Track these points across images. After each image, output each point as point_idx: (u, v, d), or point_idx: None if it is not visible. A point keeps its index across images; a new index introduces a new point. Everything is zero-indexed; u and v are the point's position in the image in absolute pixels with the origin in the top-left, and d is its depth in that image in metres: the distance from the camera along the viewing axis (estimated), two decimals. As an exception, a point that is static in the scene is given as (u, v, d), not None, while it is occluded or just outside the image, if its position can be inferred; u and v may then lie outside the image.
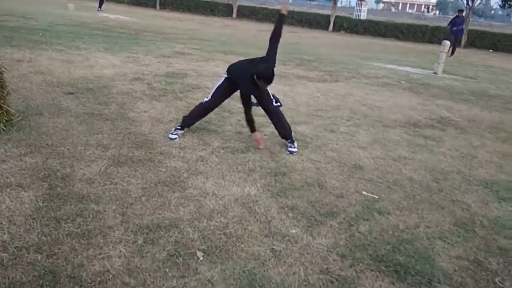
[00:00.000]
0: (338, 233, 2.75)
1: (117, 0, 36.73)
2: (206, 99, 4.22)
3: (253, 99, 4.11)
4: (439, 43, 11.54)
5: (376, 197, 3.33)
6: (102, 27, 14.82)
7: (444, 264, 2.51)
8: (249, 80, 3.82)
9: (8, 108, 3.93)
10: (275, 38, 4.04)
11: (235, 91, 4.24)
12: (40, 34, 10.24)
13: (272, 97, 4.21)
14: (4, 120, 3.84)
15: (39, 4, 24.27)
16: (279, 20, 4.17)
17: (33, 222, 2.51)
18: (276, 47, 4.05)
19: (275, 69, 3.88)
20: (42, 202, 2.74)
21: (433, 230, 2.89)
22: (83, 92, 5.42)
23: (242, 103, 4.05)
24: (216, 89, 4.18)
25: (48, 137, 3.81)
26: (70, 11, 21.17)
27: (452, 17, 20.33)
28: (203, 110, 4.25)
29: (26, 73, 6.11)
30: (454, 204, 3.33)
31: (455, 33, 17.55)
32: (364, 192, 3.39)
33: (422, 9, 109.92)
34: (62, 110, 4.64)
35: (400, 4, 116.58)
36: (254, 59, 4.11)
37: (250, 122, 4.09)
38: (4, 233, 2.37)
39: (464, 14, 18.70)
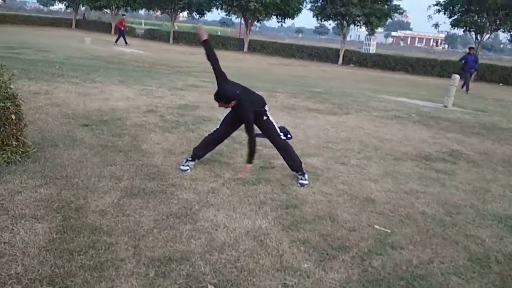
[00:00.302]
0: (350, 268, 2.72)
1: (132, 34, 37.88)
2: (214, 129, 4.30)
3: (258, 130, 4.14)
4: (449, 76, 11.63)
5: (389, 231, 3.30)
6: (117, 61, 15.23)
7: (460, 301, 2.45)
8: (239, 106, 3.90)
9: (24, 139, 4.02)
10: (213, 60, 4.09)
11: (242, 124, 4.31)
12: (57, 67, 10.55)
13: (279, 131, 4.25)
14: (20, 152, 3.92)
15: (56, 38, 25.11)
16: (204, 45, 4.14)
17: (46, 254, 2.53)
18: (215, 69, 4.08)
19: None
20: (56, 234, 2.76)
21: (448, 265, 2.85)
22: (98, 124, 5.53)
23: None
24: (224, 118, 4.26)
25: (62, 169, 3.88)
26: (87, 45, 21.83)
27: (462, 52, 20.36)
28: (212, 140, 4.30)
29: (42, 105, 6.27)
30: (468, 239, 3.28)
31: (469, 72, 16.72)
32: (376, 226, 3.36)
33: (431, 43, 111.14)
34: (77, 141, 4.73)
35: (409, 38, 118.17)
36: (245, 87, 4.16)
37: (252, 151, 3.97)
38: (18, 265, 2.39)
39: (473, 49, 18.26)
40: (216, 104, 4.01)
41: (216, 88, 3.93)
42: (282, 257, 2.76)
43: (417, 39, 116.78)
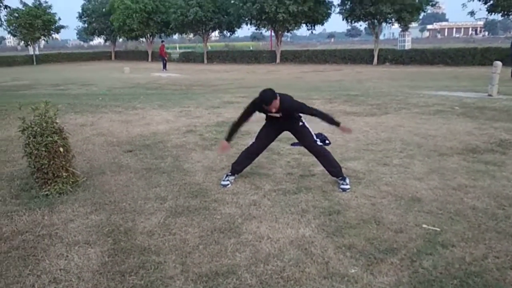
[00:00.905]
0: (400, 270, 2.65)
1: (168, 59, 39.10)
2: (250, 143, 4.35)
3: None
4: (491, 64, 11.13)
5: (438, 229, 3.19)
6: (156, 86, 15.75)
7: (519, 296, 2.33)
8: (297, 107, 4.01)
9: (73, 170, 4.24)
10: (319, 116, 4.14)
11: (279, 133, 4.34)
12: (100, 98, 11.06)
13: (315, 137, 4.24)
14: (70, 182, 4.14)
15: (97, 71, 26.34)
16: (332, 121, 4.17)
17: (100, 277, 2.65)
18: (312, 113, 4.12)
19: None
20: (108, 257, 2.89)
21: (503, 260, 2.72)
22: (141, 149, 5.74)
23: (294, 144, 4.10)
24: (259, 132, 4.31)
25: (110, 194, 4.05)
26: (126, 74, 22.74)
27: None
28: (249, 154, 4.36)
29: (89, 136, 6.59)
30: (525, 231, 3.12)
31: None
32: (424, 225, 3.26)
33: (470, 32, 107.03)
34: (123, 167, 4.93)
35: (446, 30, 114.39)
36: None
37: (331, 120, 4.09)
38: (74, 289, 2.52)
39: None
40: (253, 117, 4.12)
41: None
42: (328, 264, 2.74)
43: (454, 29, 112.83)
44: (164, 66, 26.77)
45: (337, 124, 4.10)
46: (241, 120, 4.17)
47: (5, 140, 6.32)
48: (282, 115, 4.06)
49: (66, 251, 2.97)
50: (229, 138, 4.26)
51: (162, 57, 27.45)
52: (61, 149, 4.03)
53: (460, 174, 4.47)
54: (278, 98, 3.90)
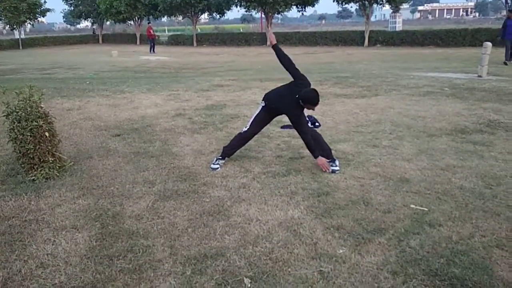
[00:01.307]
0: (387, 250, 2.67)
1: (156, 42, 38.57)
2: (244, 129, 4.30)
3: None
4: (481, 45, 11.13)
5: (426, 209, 3.22)
6: (144, 69, 15.55)
7: (504, 273, 2.37)
8: (293, 106, 3.88)
9: (60, 155, 4.19)
10: (287, 63, 4.11)
11: (273, 118, 4.30)
12: (87, 82, 10.90)
13: (307, 119, 4.22)
14: (57, 167, 4.09)
15: (85, 54, 25.93)
16: (274, 50, 4.20)
17: (87, 262, 2.63)
18: (295, 68, 4.08)
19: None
20: (96, 242, 2.87)
21: (489, 238, 2.75)
22: (129, 133, 5.68)
23: (284, 127, 4.09)
24: (254, 118, 4.25)
25: (98, 179, 4.01)
26: (114, 58, 22.41)
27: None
28: (242, 139, 4.33)
29: (76, 120, 6.50)
30: (511, 209, 3.15)
31: (509, 39, 13.99)
32: (412, 206, 3.28)
33: (461, 13, 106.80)
34: (110, 151, 4.88)
35: (437, 11, 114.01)
36: (289, 84, 4.14)
37: (311, 146, 4.01)
38: (61, 274, 2.50)
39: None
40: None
41: (311, 89, 3.93)
42: (317, 245, 2.75)
43: (445, 10, 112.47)
44: (152, 49, 26.23)
45: (315, 155, 4.05)
46: (291, 67, 4.12)
47: (-9, 125, 6.20)
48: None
49: (53, 236, 2.94)
50: (277, 48, 4.18)
51: (149, 39, 26.90)
52: (47, 134, 3.96)
53: (448, 154, 4.50)
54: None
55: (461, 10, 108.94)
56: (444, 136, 5.18)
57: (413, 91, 8.52)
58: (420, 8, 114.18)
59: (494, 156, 4.40)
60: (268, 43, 4.34)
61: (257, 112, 4.28)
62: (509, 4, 24.06)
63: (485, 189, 3.55)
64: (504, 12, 26.49)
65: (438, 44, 25.68)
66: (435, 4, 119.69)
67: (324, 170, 4.02)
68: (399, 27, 31.07)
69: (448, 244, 2.71)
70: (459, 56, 18.78)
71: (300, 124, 3.98)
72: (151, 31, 26.98)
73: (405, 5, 36.35)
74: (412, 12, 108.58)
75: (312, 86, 3.99)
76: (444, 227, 2.92)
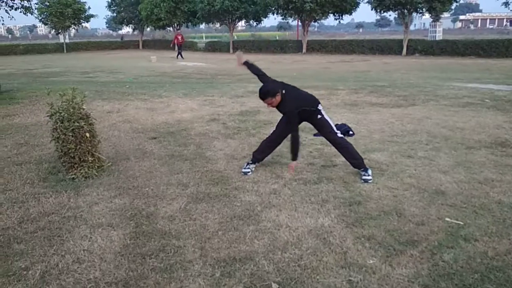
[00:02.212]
0: (419, 263, 2.61)
1: (194, 48, 39.30)
2: (271, 132, 4.34)
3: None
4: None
5: (461, 223, 3.13)
6: (181, 75, 15.88)
7: (543, 293, 2.27)
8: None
9: (99, 155, 4.35)
10: (259, 73, 4.22)
11: (299, 123, 4.31)
12: (127, 86, 11.24)
13: (335, 128, 4.18)
14: (96, 167, 4.25)
15: (125, 59, 26.74)
16: (247, 67, 4.31)
17: (121, 259, 2.71)
18: (264, 78, 4.17)
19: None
20: (129, 240, 2.96)
21: (528, 256, 2.64)
22: (165, 136, 5.82)
23: (316, 135, 4.09)
24: (280, 121, 4.29)
25: (134, 179, 4.14)
26: (153, 63, 23.01)
27: None
28: (269, 142, 4.35)
29: (115, 122, 6.73)
30: (552, 227, 3.02)
31: None
32: (447, 219, 3.20)
33: (504, 23, 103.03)
34: (147, 153, 5.02)
35: (479, 21, 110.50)
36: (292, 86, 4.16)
37: (295, 148, 4.04)
38: (96, 270, 2.59)
39: None
40: (275, 108, 4.09)
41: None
42: (346, 254, 2.73)
43: (488, 20, 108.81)
44: (179, 54, 27.13)
45: (292, 157, 4.05)
46: (263, 76, 4.19)
47: (35, 125, 6.51)
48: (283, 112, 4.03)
49: (90, 232, 3.06)
50: (248, 64, 4.29)
51: (177, 46, 27.86)
52: (87, 135, 4.12)
53: (487, 167, 4.36)
54: (279, 97, 3.90)
55: (504, 20, 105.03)
56: (483, 149, 5.02)
57: (452, 101, 8.30)
58: (461, 17, 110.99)
59: (536, 171, 4.22)
60: (241, 63, 4.48)
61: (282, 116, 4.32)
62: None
63: (526, 205, 3.41)
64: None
65: (479, 55, 24.88)
66: (477, 14, 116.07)
67: (289, 172, 4.10)
68: (439, 36, 30.30)
69: (483, 259, 2.62)
70: (502, 67, 18.13)
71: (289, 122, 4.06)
72: (179, 37, 27.82)
73: (446, 14, 35.49)
74: (453, 21, 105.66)
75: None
76: (479, 242, 2.83)
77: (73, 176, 4.10)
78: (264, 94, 3.89)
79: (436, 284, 2.38)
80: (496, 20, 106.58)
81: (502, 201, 3.49)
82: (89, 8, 38.97)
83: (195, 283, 2.45)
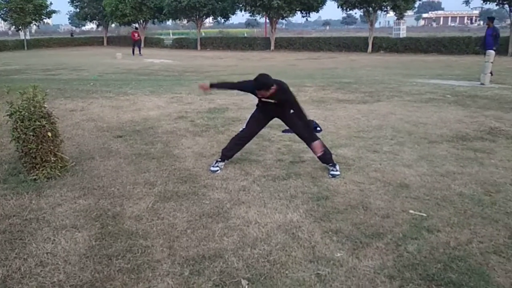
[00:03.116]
0: (385, 254, 2.68)
1: (161, 45, 38.75)
2: (241, 130, 4.34)
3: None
4: (484, 53, 11.14)
5: (424, 215, 3.22)
6: (148, 72, 15.62)
7: (500, 279, 2.37)
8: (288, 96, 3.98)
9: (62, 155, 4.21)
10: (231, 86, 4.48)
11: (270, 119, 4.33)
12: (91, 84, 10.96)
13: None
14: (59, 167, 4.11)
15: (89, 56, 26.07)
16: (216, 88, 4.51)
17: (86, 261, 2.65)
18: (240, 83, 4.28)
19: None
20: (95, 241, 2.88)
21: (487, 245, 2.75)
22: (131, 134, 5.71)
23: (285, 131, 4.12)
24: (250, 118, 4.29)
25: (99, 179, 4.04)
26: (118, 60, 22.52)
27: (498, 26, 14.95)
28: (239, 140, 4.34)
29: (79, 121, 6.54)
30: (509, 216, 3.16)
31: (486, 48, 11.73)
32: (411, 211, 3.29)
33: (465, 21, 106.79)
34: (112, 152, 4.91)
35: (442, 19, 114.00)
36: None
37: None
38: (60, 273, 2.52)
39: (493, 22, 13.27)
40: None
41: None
42: (315, 248, 2.76)
43: (450, 18, 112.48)
44: (134, 51, 27.17)
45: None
46: (235, 84, 4.28)
47: (-6, 124, 6.25)
48: (277, 102, 4.02)
49: (53, 235, 2.96)
50: (214, 85, 4.34)
51: (134, 42, 27.83)
52: (49, 134, 3.99)
53: (449, 161, 4.51)
54: (275, 87, 3.87)
55: (465, 18, 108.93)
56: (445, 143, 5.19)
57: (415, 97, 8.53)
58: (424, 15, 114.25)
59: (494, 163, 4.41)
60: (208, 89, 4.59)
61: (252, 112, 4.32)
62: (513, 13, 24.06)
63: (484, 196, 3.55)
64: (509, 21, 26.48)
65: (441, 52, 25.73)
66: (439, 12, 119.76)
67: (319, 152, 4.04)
68: (403, 34, 31.15)
69: (446, 249, 2.71)
70: (462, 63, 18.80)
71: (290, 125, 4.23)
72: (136, 35, 27.93)
73: (409, 12, 36.44)
74: (417, 19, 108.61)
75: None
76: (442, 233, 2.93)
77: (34, 177, 3.96)
78: (259, 86, 3.89)
79: (401, 275, 2.45)
80: (458, 18, 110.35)
81: (463, 193, 3.62)
82: (51, 3, 37.76)
83: (163, 282, 2.42)
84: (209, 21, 50.13)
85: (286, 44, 32.45)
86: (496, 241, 2.80)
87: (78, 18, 46.50)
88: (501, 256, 2.61)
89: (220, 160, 4.32)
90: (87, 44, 42.99)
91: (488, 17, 13.89)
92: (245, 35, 46.82)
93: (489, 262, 2.55)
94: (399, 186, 3.81)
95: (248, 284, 2.39)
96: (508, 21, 28.28)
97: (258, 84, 3.88)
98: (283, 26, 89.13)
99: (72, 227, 3.08)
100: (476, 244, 2.76)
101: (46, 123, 3.95)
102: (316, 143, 4.00)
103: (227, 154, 4.34)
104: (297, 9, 31.24)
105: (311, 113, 6.87)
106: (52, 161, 4.05)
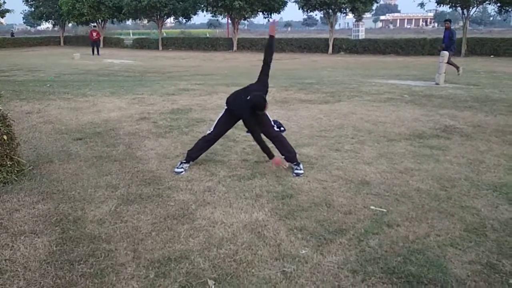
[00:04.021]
0: (348, 250, 2.75)
1: (121, 45, 37.90)
2: (208, 132, 4.32)
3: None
4: (439, 54, 11.62)
5: (384, 210, 3.33)
6: (108, 73, 15.25)
7: (457, 270, 2.49)
8: (247, 109, 3.93)
9: (18, 158, 4.06)
10: (267, 62, 4.26)
11: (236, 121, 4.34)
12: (48, 85, 10.58)
13: (272, 123, 4.28)
14: (15, 171, 3.96)
15: (46, 57, 25.14)
16: (270, 41, 4.31)
17: (47, 267, 2.56)
18: (267, 71, 4.20)
19: (267, 93, 4.05)
20: (56, 246, 2.80)
21: (444, 238, 2.88)
22: (91, 137, 5.57)
23: (249, 132, 4.15)
24: (218, 121, 4.28)
25: (59, 183, 3.92)
26: (76, 60, 21.85)
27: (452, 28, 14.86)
28: (206, 142, 4.33)
29: (35, 123, 6.31)
30: (464, 210, 3.32)
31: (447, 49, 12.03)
32: (372, 207, 3.40)
33: (420, 23, 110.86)
34: (72, 155, 4.77)
35: (398, 21, 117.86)
36: (247, 87, 4.23)
37: (265, 148, 4.11)
38: (20, 280, 2.43)
39: (451, 23, 13.60)
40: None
41: (259, 95, 4.01)
42: (280, 246, 2.80)
43: (406, 20, 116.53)
44: (94, 51, 26.71)
45: (270, 38, 4.31)
46: (257, 131, 4.11)
47: None
48: None
49: (11, 241, 2.85)
50: (270, 153, 4.16)
51: (92, 41, 27.30)
52: (5, 137, 3.84)
53: (406, 158, 4.67)
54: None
55: (421, 20, 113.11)
56: (403, 141, 5.38)
57: (375, 97, 8.79)
58: (382, 17, 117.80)
59: (449, 159, 4.61)
60: (271, 34, 4.54)
61: (220, 115, 4.32)
62: (465, 15, 25.20)
63: (440, 191, 3.72)
64: (461, 23, 27.72)
65: (398, 53, 26.59)
66: (396, 14, 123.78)
67: (283, 166, 4.14)
68: (362, 35, 31.96)
69: (405, 243, 2.82)
70: (418, 64, 19.51)
71: (250, 125, 4.08)
72: (94, 34, 27.31)
73: (367, 14, 37.45)
74: (375, 21, 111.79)
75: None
76: (401, 227, 3.04)
77: (-11, 182, 3.79)
78: (264, 105, 3.97)
79: (363, 269, 2.52)
80: (413, 20, 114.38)
81: (421, 189, 3.77)
82: (4, 2, 36.02)
83: (128, 286, 2.38)
84: (170, 21, 49.52)
85: (249, 45, 32.55)
86: (453, 234, 2.93)
87: (33, 18, 44.69)
88: (457, 248, 2.74)
89: (185, 161, 4.29)
90: (43, 44, 41.41)
91: (445, 20, 13.94)
92: (208, 35, 46.59)
93: (446, 254, 2.67)
94: (360, 183, 3.92)
95: (214, 284, 2.39)
96: (461, 23, 29.58)
97: (260, 107, 3.94)
98: (245, 27, 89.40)
99: (31, 232, 2.98)
100: (434, 238, 2.89)
101: (1, 126, 3.81)
102: (275, 159, 4.11)
103: (193, 155, 4.31)
104: (259, 10, 31.39)
105: (275, 113, 6.94)
106: (8, 165, 3.89)
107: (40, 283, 2.40)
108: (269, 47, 4.37)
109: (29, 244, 2.83)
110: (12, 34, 46.11)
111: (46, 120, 6.56)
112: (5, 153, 3.88)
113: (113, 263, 2.61)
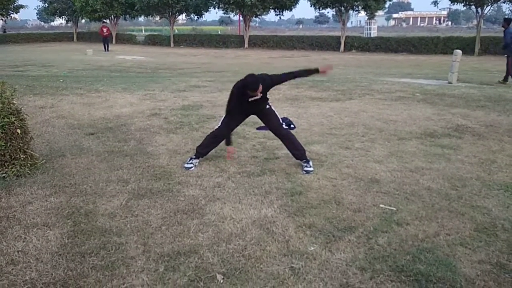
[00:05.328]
0: (356, 247, 2.75)
1: (133, 42, 38.14)
2: (216, 127, 4.34)
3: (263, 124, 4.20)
4: (452, 53, 11.50)
5: (394, 209, 3.32)
6: (120, 69, 15.37)
7: (466, 269, 2.48)
8: (239, 86, 3.98)
9: (32, 152, 4.12)
10: (295, 75, 4.30)
11: (246, 117, 4.35)
12: (61, 80, 10.71)
13: (281, 121, 4.29)
14: (28, 164, 4.02)
15: (59, 52, 25.42)
16: (312, 71, 4.34)
17: (59, 259, 2.61)
18: (287, 78, 4.26)
19: (271, 88, 4.12)
20: (67, 239, 2.84)
21: (454, 237, 2.87)
22: (103, 132, 5.63)
23: (258, 129, 4.15)
24: (225, 116, 4.29)
25: (71, 177, 3.97)
26: (89, 56, 22.06)
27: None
28: (213, 138, 4.34)
29: (48, 118, 6.40)
30: (474, 210, 3.29)
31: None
32: (381, 205, 3.39)
33: (434, 22, 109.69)
34: (84, 150, 4.83)
35: (411, 19, 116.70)
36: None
37: (227, 137, 4.24)
38: (32, 271, 2.48)
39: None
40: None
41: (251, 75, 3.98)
42: (289, 242, 2.81)
43: (419, 18, 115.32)
44: (105, 47, 26.86)
45: (315, 70, 4.22)
46: (231, 114, 4.16)
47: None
48: (262, 96, 4.04)
49: (24, 233, 2.91)
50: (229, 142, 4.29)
51: (103, 38, 27.46)
52: (19, 131, 3.90)
53: (417, 157, 4.65)
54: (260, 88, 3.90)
55: (434, 18, 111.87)
56: (414, 140, 5.34)
57: (386, 96, 8.73)
58: (394, 15, 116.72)
59: (460, 159, 4.57)
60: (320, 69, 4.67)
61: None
62: (479, 14, 24.87)
63: (451, 190, 3.69)
64: (475, 22, 27.35)
65: (411, 51, 26.36)
66: (409, 12, 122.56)
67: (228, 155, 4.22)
68: (374, 33, 31.76)
69: (415, 242, 2.81)
70: (431, 63, 19.33)
71: (228, 104, 4.15)
72: (104, 30, 27.51)
73: (380, 12, 37.13)
74: (387, 19, 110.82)
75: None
76: (411, 226, 3.03)
77: (3, 174, 3.85)
78: (256, 83, 3.88)
79: (372, 266, 2.52)
80: (427, 18, 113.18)
81: (431, 188, 3.75)
82: (18, -2, 36.46)
83: (138, 279, 2.42)
84: (182, 18, 49.64)
85: (260, 42, 32.52)
86: (462, 233, 2.92)
87: (46, 14, 45.14)
88: (467, 247, 2.73)
89: (194, 157, 4.32)
90: (57, 40, 41.83)
91: (505, 18, 12.12)
92: (219, 32, 46.63)
93: (456, 253, 2.66)
94: (370, 182, 3.91)
95: (223, 278, 2.41)
96: (475, 22, 29.22)
97: (250, 86, 3.86)
98: (257, 24, 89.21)
99: (43, 225, 3.03)
100: (444, 237, 2.87)
101: (15, 120, 3.86)
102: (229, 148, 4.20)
103: (202, 151, 4.33)
104: (271, 7, 31.34)
105: (285, 110, 6.94)
106: (22, 158, 3.96)
107: (52, 274, 2.44)
108: (306, 73, 4.40)
109: (41, 236, 2.87)
110: (4, 31, 45.53)
111: (59, 115, 6.64)
112: (19, 146, 3.94)
113: (123, 256, 2.64)
